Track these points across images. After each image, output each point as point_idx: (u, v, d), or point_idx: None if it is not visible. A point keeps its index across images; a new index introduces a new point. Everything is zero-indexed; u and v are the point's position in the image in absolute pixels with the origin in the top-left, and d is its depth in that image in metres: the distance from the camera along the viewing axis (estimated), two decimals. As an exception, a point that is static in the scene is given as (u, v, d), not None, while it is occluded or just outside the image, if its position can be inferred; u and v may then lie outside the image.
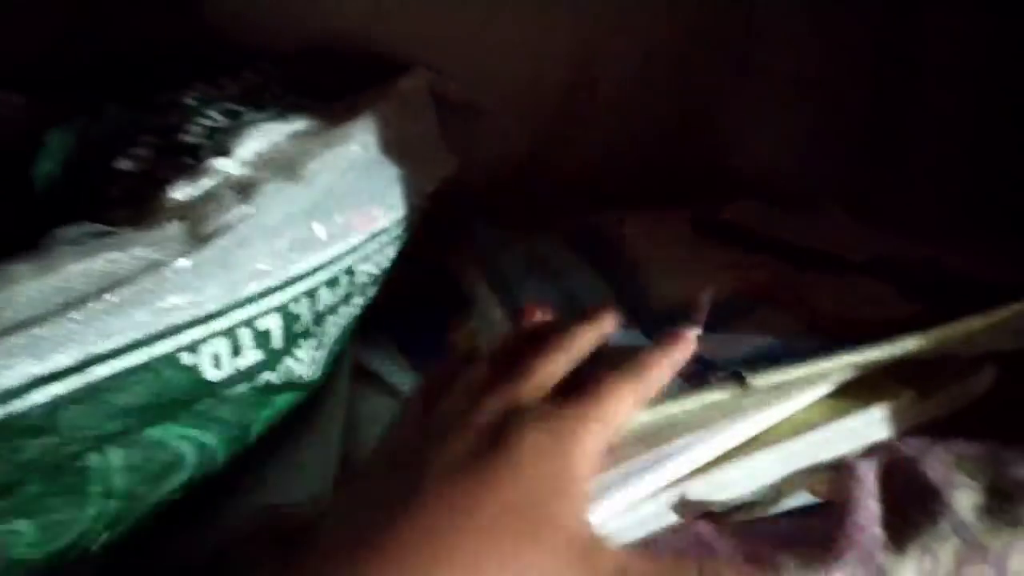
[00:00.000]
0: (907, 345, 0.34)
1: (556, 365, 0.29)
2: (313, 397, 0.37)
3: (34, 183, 0.35)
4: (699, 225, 0.51)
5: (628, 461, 0.30)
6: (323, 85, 0.43)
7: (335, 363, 0.39)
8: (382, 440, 0.29)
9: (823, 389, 0.35)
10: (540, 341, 0.30)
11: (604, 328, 0.32)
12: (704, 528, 0.32)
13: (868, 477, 0.33)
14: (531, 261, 0.46)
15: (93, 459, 0.26)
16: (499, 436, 0.26)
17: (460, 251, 0.50)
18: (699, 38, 0.60)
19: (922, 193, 0.63)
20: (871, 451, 0.35)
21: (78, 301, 0.24)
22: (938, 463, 0.33)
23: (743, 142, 0.66)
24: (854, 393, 0.35)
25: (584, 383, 0.28)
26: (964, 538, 0.30)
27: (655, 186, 0.60)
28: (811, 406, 0.35)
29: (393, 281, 0.44)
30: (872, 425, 0.35)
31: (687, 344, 0.31)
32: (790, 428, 0.34)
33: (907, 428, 0.36)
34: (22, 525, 0.24)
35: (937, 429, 0.36)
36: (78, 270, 0.25)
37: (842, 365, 0.33)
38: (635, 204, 0.58)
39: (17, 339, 0.23)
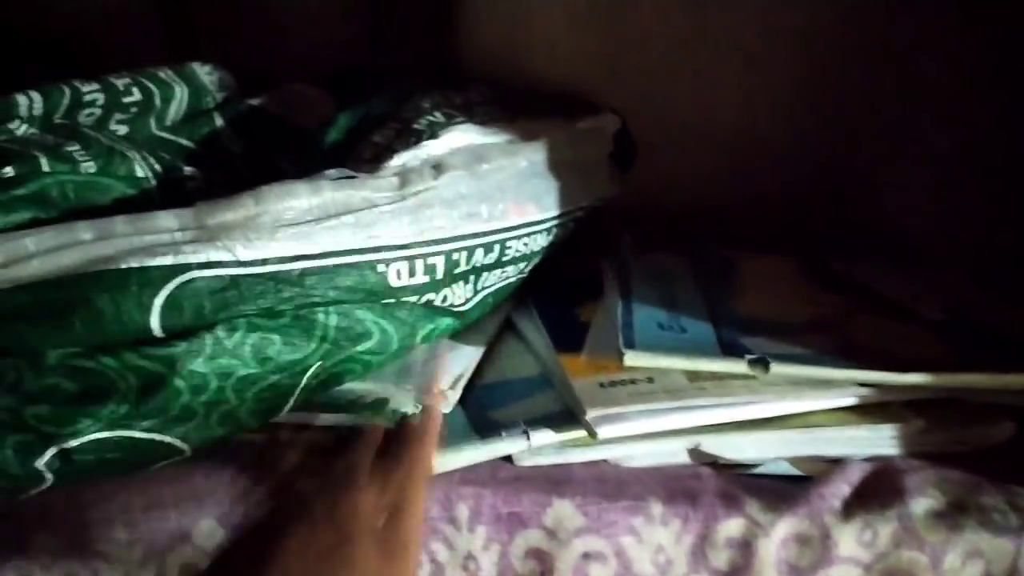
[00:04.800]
0: (910, 379, 0.41)
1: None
2: (467, 327, 0.52)
3: (324, 145, 0.53)
4: (811, 270, 0.59)
5: (650, 401, 0.41)
6: (526, 110, 0.58)
7: (491, 310, 0.54)
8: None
9: (843, 400, 0.43)
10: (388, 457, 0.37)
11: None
12: (704, 470, 0.42)
13: (853, 470, 0.41)
14: (655, 272, 0.58)
15: (320, 315, 0.42)
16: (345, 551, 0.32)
17: (608, 254, 0.62)
18: (863, 102, 0.65)
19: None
20: (869, 458, 0.42)
21: (327, 215, 0.40)
22: (919, 479, 0.40)
23: (896, 207, 0.70)
24: (870, 411, 0.43)
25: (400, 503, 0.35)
26: (905, 526, 0.37)
27: (797, 234, 0.67)
28: (829, 411, 0.43)
29: (553, 264, 0.57)
30: (878, 440, 0.43)
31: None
32: (804, 421, 0.43)
33: (913, 451, 0.43)
34: (275, 338, 0.40)
35: (949, 461, 0.43)
36: (329, 196, 0.41)
37: (846, 378, 0.41)
38: (769, 246, 0.66)
39: (291, 230, 0.39)
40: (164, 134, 0.55)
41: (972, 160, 0.66)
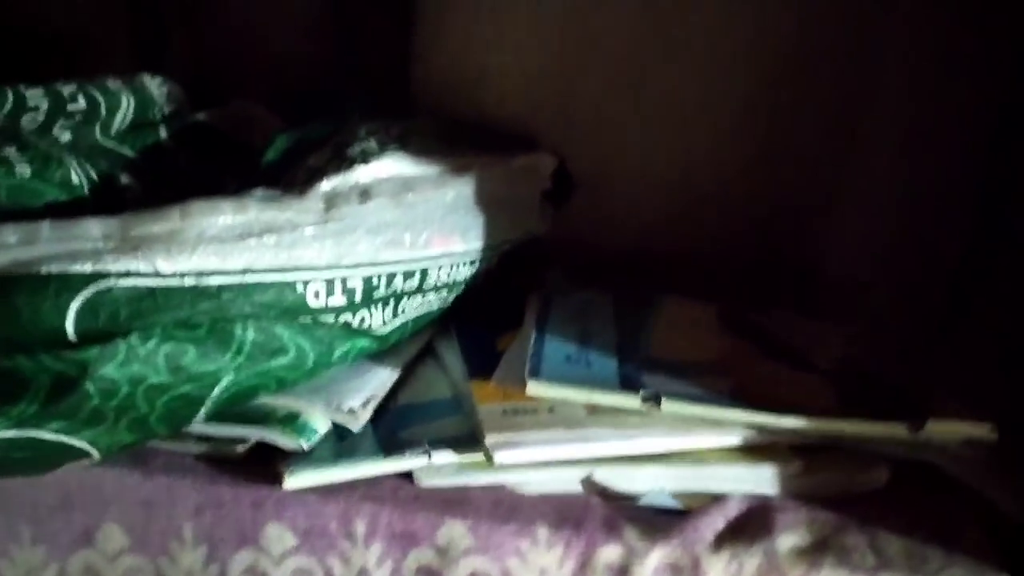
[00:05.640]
0: (787, 423, 0.44)
1: None
2: (384, 351, 0.54)
3: (261, 164, 0.55)
4: (726, 316, 0.62)
5: (548, 431, 0.43)
6: (464, 144, 0.61)
7: (411, 335, 0.56)
8: None
9: (729, 440, 0.45)
10: None
11: None
12: (594, 499, 0.44)
13: (730, 506, 0.43)
14: (577, 307, 0.60)
15: (238, 330, 0.43)
16: None
17: (534, 288, 0.65)
18: (804, 156, 0.70)
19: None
20: (749, 496, 0.45)
21: (249, 234, 0.42)
22: (791, 518, 0.43)
23: (828, 253, 0.73)
24: (755, 452, 0.45)
25: None
26: (770, 560, 0.40)
27: (730, 281, 0.70)
28: (715, 450, 0.46)
29: (482, 294, 0.59)
30: (758, 480, 0.45)
31: None
32: (692, 458, 0.45)
33: (792, 493, 0.45)
34: (190, 349, 0.42)
35: (824, 503, 0.45)
36: (254, 214, 0.43)
37: (732, 418, 0.44)
38: (701, 291, 0.69)
39: (211, 245, 0.41)
40: (107, 143, 0.56)
41: (910, 211, 0.69)
